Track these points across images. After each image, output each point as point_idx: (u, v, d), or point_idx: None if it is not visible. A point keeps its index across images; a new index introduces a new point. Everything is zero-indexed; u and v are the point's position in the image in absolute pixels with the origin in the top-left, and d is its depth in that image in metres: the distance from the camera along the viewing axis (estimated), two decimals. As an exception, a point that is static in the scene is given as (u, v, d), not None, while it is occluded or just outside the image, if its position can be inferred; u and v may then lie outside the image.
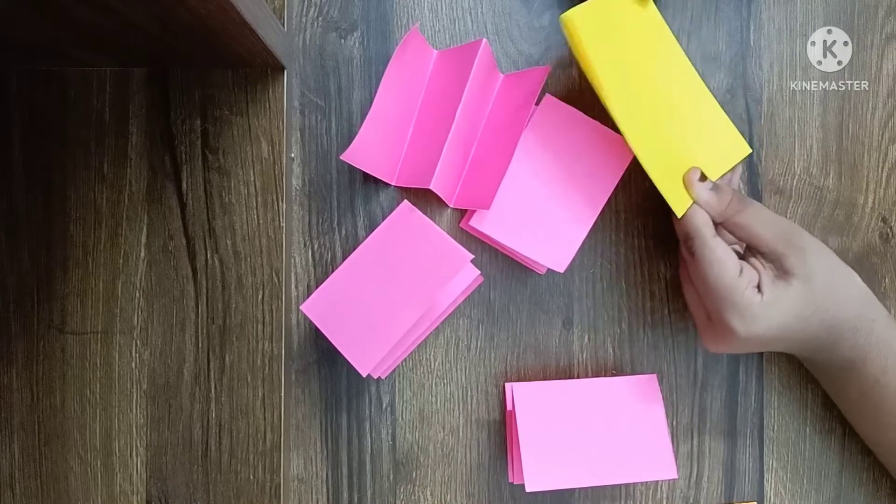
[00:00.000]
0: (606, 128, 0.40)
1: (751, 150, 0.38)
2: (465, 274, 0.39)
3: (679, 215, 0.36)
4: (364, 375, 0.36)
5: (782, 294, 0.34)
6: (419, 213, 0.38)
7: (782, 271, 0.35)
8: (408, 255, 0.37)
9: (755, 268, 0.35)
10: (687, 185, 0.36)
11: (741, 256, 0.37)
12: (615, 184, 0.40)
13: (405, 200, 0.39)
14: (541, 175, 0.40)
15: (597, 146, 0.40)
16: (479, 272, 0.39)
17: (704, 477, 0.42)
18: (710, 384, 0.42)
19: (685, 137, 0.37)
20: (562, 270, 0.39)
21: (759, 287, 0.35)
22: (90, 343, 0.38)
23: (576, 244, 0.39)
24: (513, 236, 0.39)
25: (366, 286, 0.37)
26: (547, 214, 0.39)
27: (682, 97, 0.38)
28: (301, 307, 0.38)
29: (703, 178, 0.36)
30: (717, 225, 0.36)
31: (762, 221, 0.35)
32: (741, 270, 0.35)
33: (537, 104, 0.41)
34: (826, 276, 0.35)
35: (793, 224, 0.36)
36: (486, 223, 0.39)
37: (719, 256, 0.34)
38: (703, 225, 0.35)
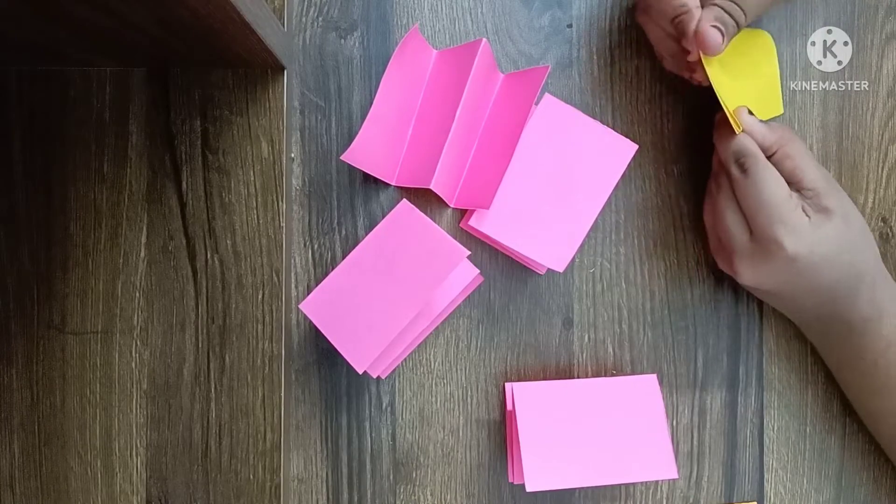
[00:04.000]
0: (606, 127, 0.40)
1: (782, 111, 0.40)
2: (464, 273, 0.39)
3: (738, 131, 0.36)
4: (360, 372, 0.36)
5: (825, 223, 0.36)
6: (418, 211, 0.38)
7: (821, 207, 0.36)
8: (406, 252, 0.37)
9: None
10: (737, 117, 0.37)
11: None
12: (615, 183, 0.40)
13: (404, 199, 0.39)
14: (540, 175, 0.40)
15: (596, 146, 0.40)
16: (479, 271, 0.39)
17: (704, 477, 0.42)
18: (710, 384, 0.42)
19: (749, 82, 0.39)
20: (561, 270, 0.39)
21: (804, 210, 0.36)
22: (90, 343, 0.39)
23: (575, 244, 0.39)
24: (512, 236, 0.39)
25: (364, 284, 0.37)
26: (546, 214, 0.39)
27: (756, 56, 0.41)
28: (300, 305, 0.38)
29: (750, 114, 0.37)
30: None
31: (808, 156, 0.37)
32: (790, 193, 0.36)
33: (537, 104, 0.41)
34: (859, 222, 0.37)
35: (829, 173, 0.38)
36: (485, 223, 0.39)
37: (773, 177, 0.36)
38: (756, 146, 0.36)
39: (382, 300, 0.36)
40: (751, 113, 0.37)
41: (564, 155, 0.40)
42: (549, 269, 0.41)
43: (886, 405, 0.39)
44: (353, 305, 0.37)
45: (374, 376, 0.38)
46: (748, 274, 0.38)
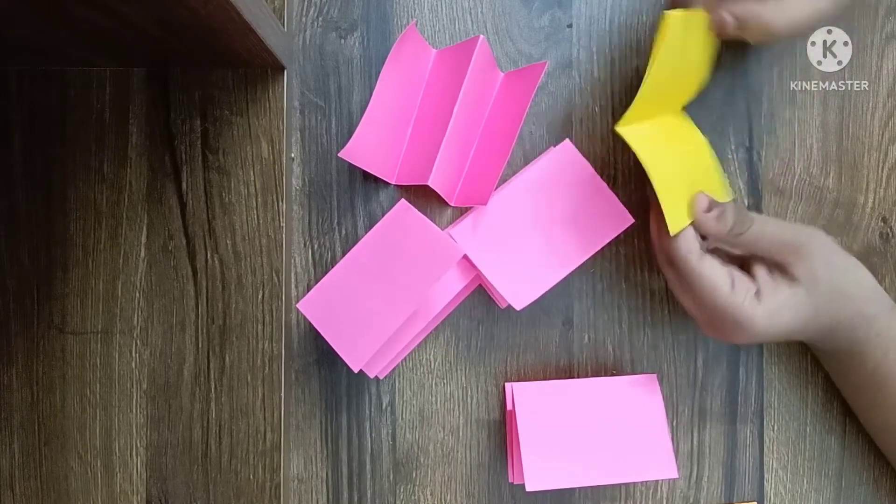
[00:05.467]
0: (611, 192, 0.40)
1: (733, 197, 0.38)
2: (462, 273, 0.39)
3: (672, 234, 0.35)
4: (355, 371, 0.36)
5: (785, 302, 0.35)
6: (416, 211, 0.38)
7: (788, 277, 0.35)
8: (403, 252, 0.37)
9: (754, 274, 0.36)
10: (693, 209, 0.35)
11: (741, 259, 0.37)
12: (599, 247, 0.39)
13: (402, 199, 0.39)
14: (536, 214, 0.39)
15: (596, 206, 0.40)
16: (477, 272, 0.39)
17: (704, 477, 0.42)
18: (710, 384, 0.42)
19: (689, 174, 0.37)
20: (519, 308, 0.38)
21: (757, 294, 0.35)
22: (90, 343, 0.39)
23: (542, 289, 0.39)
24: (486, 260, 0.39)
25: (361, 284, 0.37)
26: (526, 252, 0.39)
27: (689, 145, 0.40)
28: (297, 305, 0.38)
29: (709, 205, 0.36)
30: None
31: (765, 237, 0.35)
32: (733, 284, 0.35)
33: (555, 145, 0.40)
34: (830, 282, 0.35)
35: (797, 229, 0.36)
36: (465, 239, 0.39)
37: (707, 280, 0.34)
38: (686, 252, 0.35)
39: (379, 299, 0.36)
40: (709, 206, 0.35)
41: (564, 204, 0.40)
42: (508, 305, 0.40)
43: (877, 419, 0.40)
44: (350, 304, 0.37)
45: (372, 376, 0.38)
46: (731, 342, 0.38)
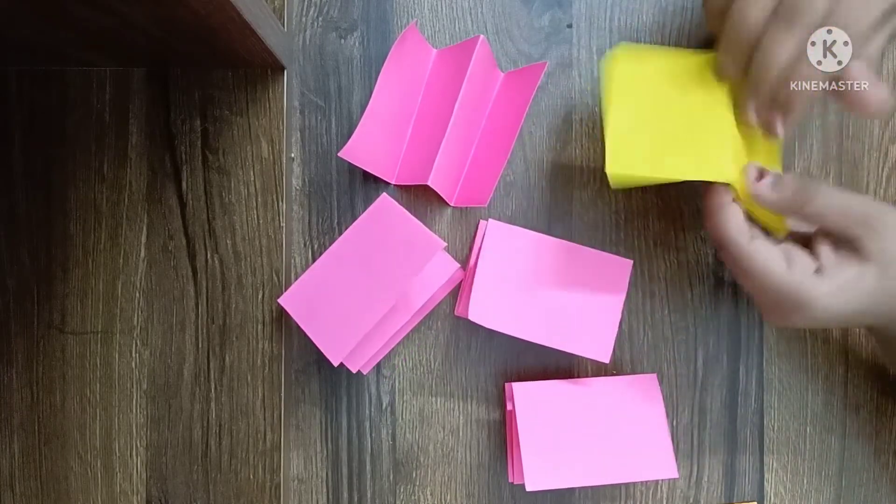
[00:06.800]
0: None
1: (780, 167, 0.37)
2: (444, 267, 0.39)
3: (608, 169, 0.34)
4: (336, 364, 0.36)
5: (852, 280, 0.32)
6: (397, 205, 0.38)
7: (857, 254, 0.32)
8: (384, 245, 0.37)
9: (817, 250, 0.33)
10: (746, 182, 0.33)
11: (804, 238, 0.35)
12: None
13: (384, 193, 0.39)
14: (552, 284, 0.39)
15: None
16: (459, 266, 0.39)
17: (704, 477, 0.42)
18: (710, 384, 0.42)
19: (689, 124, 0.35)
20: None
21: (819, 271, 0.32)
22: (90, 343, 0.39)
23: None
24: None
25: (342, 278, 0.37)
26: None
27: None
28: (278, 300, 0.38)
29: (761, 175, 0.33)
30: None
31: (832, 208, 0.32)
32: (789, 262, 0.32)
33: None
34: None
35: (866, 201, 0.33)
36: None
37: (760, 262, 0.32)
38: (736, 233, 0.33)
39: (359, 293, 0.36)
40: (760, 175, 0.34)
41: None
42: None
43: None
44: (331, 299, 0.37)
45: (354, 370, 0.38)
46: (781, 325, 0.35)
